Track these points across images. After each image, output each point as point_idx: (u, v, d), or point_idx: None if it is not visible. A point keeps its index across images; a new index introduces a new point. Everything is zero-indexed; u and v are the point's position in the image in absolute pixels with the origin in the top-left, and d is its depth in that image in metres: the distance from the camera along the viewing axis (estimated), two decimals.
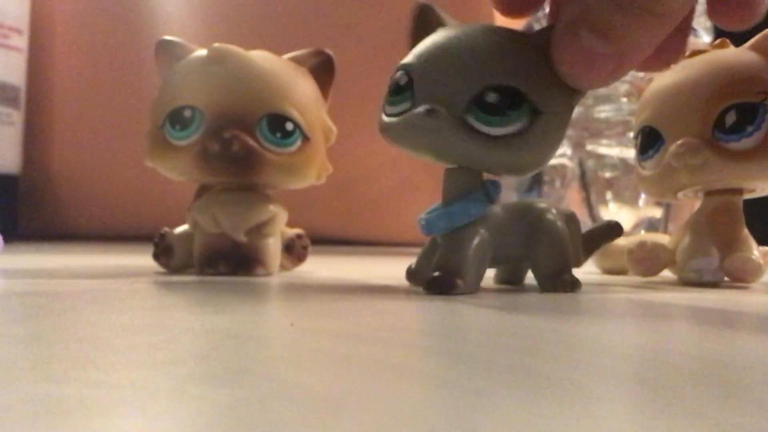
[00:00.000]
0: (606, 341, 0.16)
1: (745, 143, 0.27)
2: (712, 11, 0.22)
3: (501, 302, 0.22)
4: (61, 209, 0.64)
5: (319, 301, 0.22)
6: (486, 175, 0.25)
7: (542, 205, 0.26)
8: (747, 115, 0.27)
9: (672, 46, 0.22)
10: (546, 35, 0.22)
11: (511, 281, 0.28)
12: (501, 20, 0.27)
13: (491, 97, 0.22)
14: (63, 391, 0.10)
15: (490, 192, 0.24)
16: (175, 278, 0.29)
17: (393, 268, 0.39)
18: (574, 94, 0.23)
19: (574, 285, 0.25)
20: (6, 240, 0.56)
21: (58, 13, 0.64)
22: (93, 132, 0.62)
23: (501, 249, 0.25)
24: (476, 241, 0.24)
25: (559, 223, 0.26)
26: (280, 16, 0.58)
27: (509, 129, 0.22)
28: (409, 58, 0.24)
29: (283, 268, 0.33)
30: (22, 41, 0.58)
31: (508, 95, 0.22)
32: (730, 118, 0.27)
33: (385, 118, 0.24)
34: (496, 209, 0.25)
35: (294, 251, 0.34)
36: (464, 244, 0.24)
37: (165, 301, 0.23)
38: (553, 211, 0.26)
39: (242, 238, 0.30)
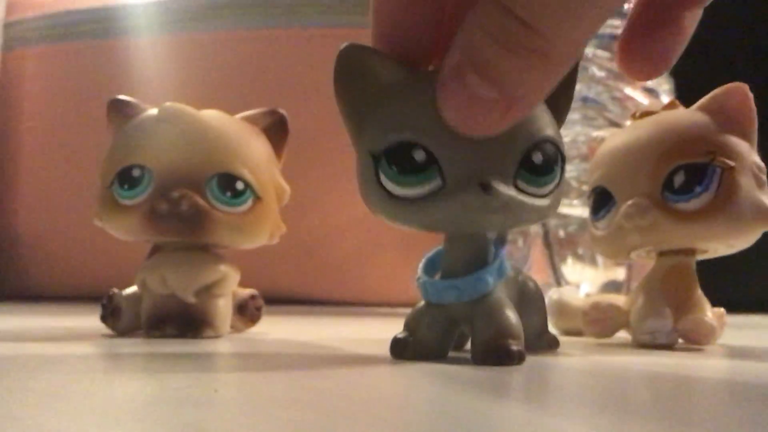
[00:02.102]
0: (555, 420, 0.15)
1: (694, 203, 0.27)
2: (618, 61, 0.22)
3: (453, 371, 0.22)
4: (23, 270, 0.63)
5: (255, 368, 0.22)
6: None
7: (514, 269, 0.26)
8: (695, 176, 0.27)
9: (663, 51, 0.22)
10: None
11: (458, 346, 0.26)
12: None
13: (537, 157, 0.21)
14: None
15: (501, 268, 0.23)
16: (120, 341, 0.29)
17: (349, 330, 0.38)
18: None
19: (556, 342, 0.27)
20: None
21: (26, 73, 0.64)
22: (57, 193, 0.62)
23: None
24: (510, 304, 0.23)
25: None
26: (245, 76, 0.58)
27: (553, 185, 0.22)
28: (413, 130, 0.21)
29: (234, 329, 0.32)
30: None
31: (550, 151, 0.21)
32: (679, 179, 0.27)
33: (395, 202, 0.21)
34: None
35: (247, 312, 0.33)
36: (508, 306, 0.22)
37: (98, 366, 0.22)
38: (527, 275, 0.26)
39: (191, 299, 0.30)
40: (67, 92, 0.63)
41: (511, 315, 0.22)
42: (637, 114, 0.30)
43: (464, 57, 0.19)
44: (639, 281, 0.31)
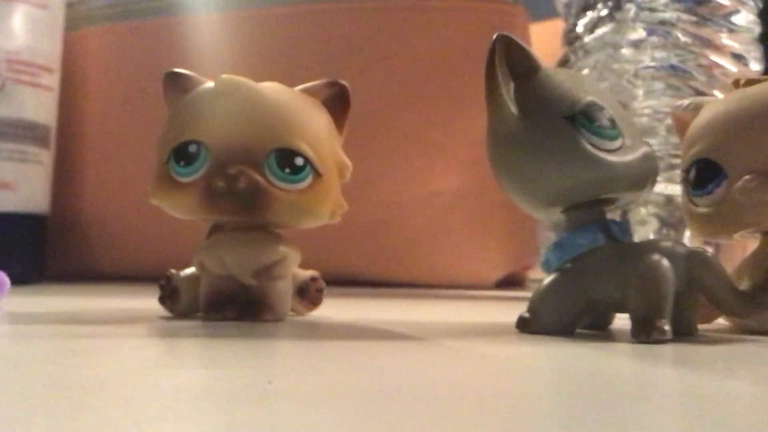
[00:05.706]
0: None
1: None
2: None
3: (530, 352, 0.20)
4: (89, 250, 0.63)
5: (314, 356, 0.20)
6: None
7: (653, 244, 0.24)
8: None
9: None
10: None
11: (595, 326, 0.25)
12: None
13: None
14: None
15: (609, 227, 0.23)
16: (177, 323, 0.28)
17: (413, 313, 0.36)
18: None
19: (663, 334, 0.22)
20: (34, 281, 0.55)
21: (89, 52, 0.64)
22: (123, 173, 0.62)
23: (596, 292, 0.23)
24: (556, 277, 0.24)
25: (661, 263, 0.22)
26: (306, 50, 0.57)
27: None
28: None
29: (295, 312, 0.31)
30: (53, 80, 0.57)
31: None
32: None
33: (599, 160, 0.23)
34: (607, 249, 0.23)
35: (307, 295, 0.31)
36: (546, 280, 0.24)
37: (151, 353, 0.21)
38: (664, 248, 0.23)
39: (250, 280, 0.28)
40: (129, 70, 0.63)
41: (538, 288, 0.24)
42: (741, 82, 0.27)
43: None
44: (727, 262, 0.28)
